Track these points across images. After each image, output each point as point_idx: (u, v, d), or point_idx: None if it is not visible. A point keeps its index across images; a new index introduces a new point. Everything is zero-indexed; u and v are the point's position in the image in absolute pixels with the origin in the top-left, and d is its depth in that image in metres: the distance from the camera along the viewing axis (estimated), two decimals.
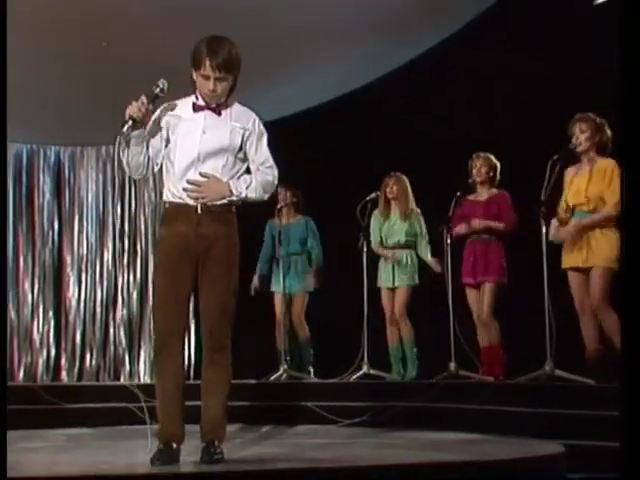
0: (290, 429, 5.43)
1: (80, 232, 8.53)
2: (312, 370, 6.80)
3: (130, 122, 3.34)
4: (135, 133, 3.40)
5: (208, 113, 3.51)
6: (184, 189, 3.44)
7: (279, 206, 6.86)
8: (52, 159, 8.60)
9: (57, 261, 8.49)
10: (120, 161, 3.50)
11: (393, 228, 6.62)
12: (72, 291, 8.46)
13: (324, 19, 6.21)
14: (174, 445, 3.39)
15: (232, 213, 3.54)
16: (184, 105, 3.55)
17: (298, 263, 7.01)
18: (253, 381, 6.47)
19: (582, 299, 5.27)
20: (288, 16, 6.11)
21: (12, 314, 8.33)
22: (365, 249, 6.60)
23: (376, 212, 6.70)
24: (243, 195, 3.49)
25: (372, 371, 6.37)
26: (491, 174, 6.14)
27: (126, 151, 3.44)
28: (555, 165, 5.40)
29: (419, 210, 6.64)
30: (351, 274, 6.64)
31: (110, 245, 8.51)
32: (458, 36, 6.80)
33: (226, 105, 3.53)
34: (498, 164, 6.16)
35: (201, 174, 3.43)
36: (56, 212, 8.56)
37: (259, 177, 3.55)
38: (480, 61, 6.65)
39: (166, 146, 3.53)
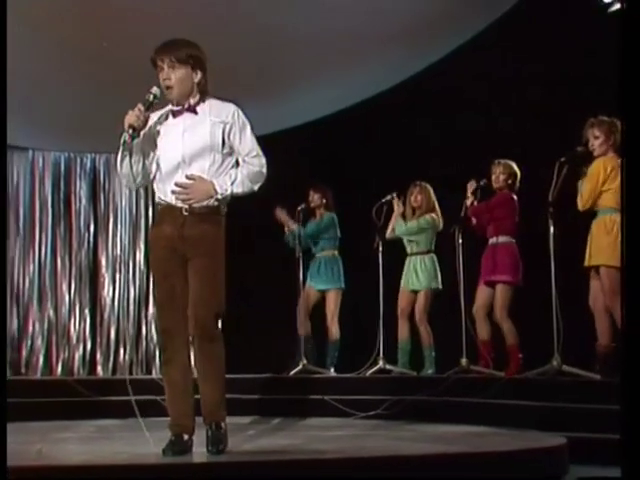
0: (308, 421, 5.45)
1: (114, 234, 8.63)
2: (333, 369, 6.76)
3: (130, 131, 3.33)
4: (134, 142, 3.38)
5: (187, 115, 3.45)
6: (172, 192, 3.39)
7: (312, 206, 6.93)
8: (88, 166, 8.70)
9: (93, 262, 8.60)
10: (120, 172, 3.49)
11: (415, 235, 6.58)
12: (107, 290, 8.56)
13: (345, 30, 6.21)
14: (185, 437, 3.38)
15: (219, 214, 3.46)
16: (166, 114, 3.50)
17: (328, 261, 6.97)
18: (273, 375, 6.50)
19: (595, 296, 5.23)
20: (312, 28, 6.13)
21: (50, 312, 8.47)
22: (381, 249, 6.58)
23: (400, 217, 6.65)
24: (228, 192, 3.40)
25: (388, 366, 6.37)
26: (509, 181, 6.00)
27: (126, 160, 3.42)
28: (562, 167, 5.37)
29: (441, 219, 6.58)
30: (368, 273, 6.63)
31: (142, 246, 8.56)
32: (467, 46, 6.77)
33: (202, 101, 3.46)
34: (518, 172, 6.02)
35: (187, 176, 3.37)
36: (92, 216, 8.66)
37: (244, 170, 3.45)
38: (488, 70, 6.62)
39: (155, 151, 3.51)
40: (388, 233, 6.64)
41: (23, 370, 8.30)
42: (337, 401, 5.73)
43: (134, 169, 3.45)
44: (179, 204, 3.39)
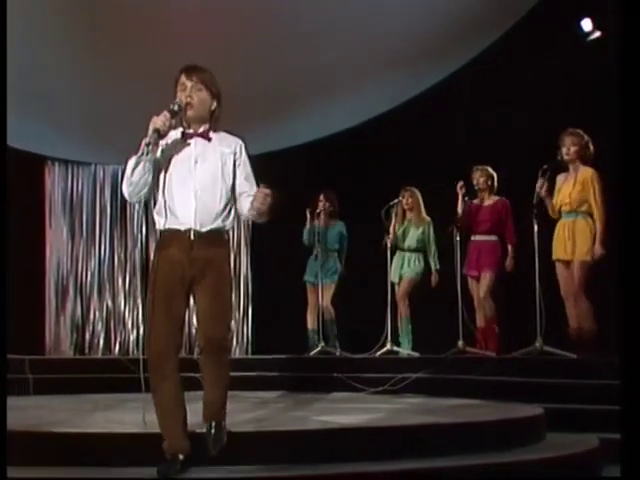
0: (324, 396, 5.40)
1: None
2: (338, 344, 6.73)
3: (155, 134, 2.95)
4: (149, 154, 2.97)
5: (198, 140, 3.08)
6: (253, 202, 3.01)
7: (318, 211, 6.89)
8: None
9: (144, 259, 8.54)
10: (130, 178, 3.00)
11: (406, 234, 6.57)
12: None
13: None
14: (181, 457, 2.94)
15: (224, 237, 3.11)
16: (175, 135, 3.10)
17: (330, 260, 6.94)
18: (295, 356, 6.48)
19: (567, 285, 5.20)
20: (332, 51, 6.08)
21: (109, 302, 8.52)
22: (389, 246, 6.54)
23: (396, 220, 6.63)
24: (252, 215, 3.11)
25: (395, 348, 6.31)
26: (489, 182, 6.08)
27: (140, 166, 2.97)
28: (545, 173, 5.36)
29: (430, 219, 6.55)
30: (377, 267, 6.59)
31: None
32: (464, 69, 6.73)
33: (213, 130, 3.12)
34: (494, 174, 6.11)
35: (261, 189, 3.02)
36: (143, 220, 8.66)
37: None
38: (483, 91, 6.55)
39: (158, 175, 3.05)
40: (391, 239, 6.55)
41: (87, 350, 8.40)
42: (350, 378, 5.69)
43: (144, 179, 3.01)
44: (185, 229, 2.99)
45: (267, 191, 3.00)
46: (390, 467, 3.09)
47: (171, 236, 3.03)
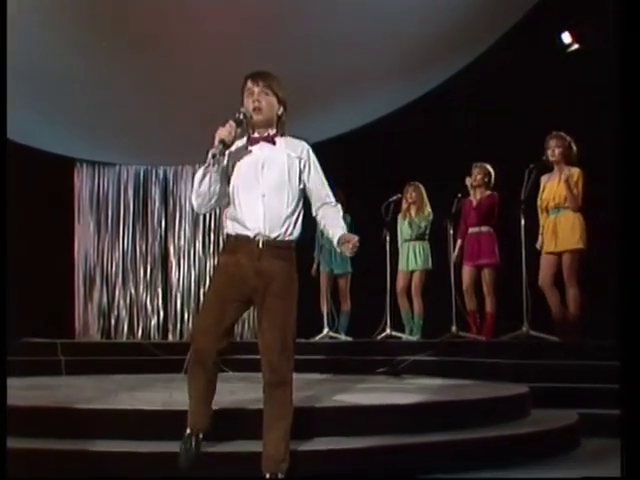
0: (328, 376, 5.41)
1: (180, 229, 8.65)
2: (344, 334, 6.75)
3: (221, 146, 2.71)
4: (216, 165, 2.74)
5: (264, 144, 2.84)
6: (350, 247, 2.75)
7: None
8: (161, 176, 8.72)
9: (164, 251, 8.65)
10: (198, 189, 2.77)
11: (411, 225, 6.54)
12: (174, 272, 8.61)
13: (367, 56, 6.13)
14: (200, 435, 2.82)
15: (291, 249, 2.82)
16: (241, 142, 2.87)
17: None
18: (303, 340, 6.50)
19: (545, 276, 5.21)
20: (336, 54, 6.02)
21: (132, 290, 8.55)
22: (388, 239, 6.56)
23: (400, 213, 6.64)
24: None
25: (394, 332, 6.34)
26: (486, 179, 6.03)
27: (207, 177, 2.74)
28: (532, 172, 5.36)
29: (430, 211, 6.52)
30: (377, 259, 6.61)
31: (201, 238, 8.61)
32: (460, 73, 6.72)
33: (279, 135, 2.86)
34: (492, 171, 6.04)
35: (346, 237, 2.77)
36: (163, 215, 8.71)
37: (339, 215, 2.92)
38: (480, 94, 6.55)
39: (228, 182, 2.83)
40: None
41: (113, 335, 8.45)
42: (353, 361, 5.70)
43: (212, 189, 2.76)
44: (256, 237, 2.75)
45: (356, 240, 2.75)
46: (389, 441, 3.13)
47: (239, 242, 2.78)
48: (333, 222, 2.88)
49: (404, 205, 6.57)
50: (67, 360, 5.80)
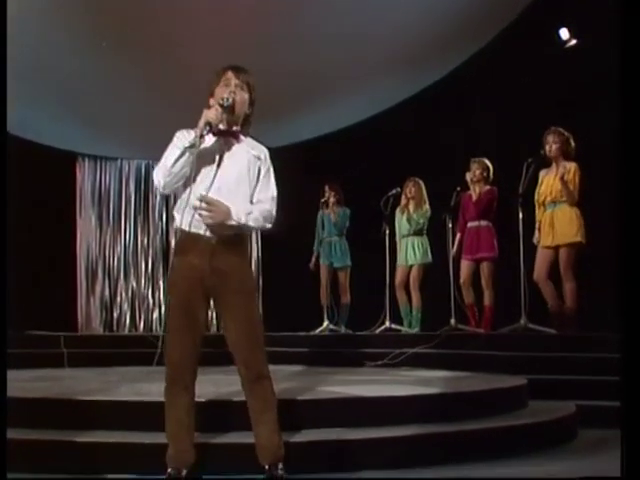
0: (327, 369, 5.42)
1: None
2: (344, 327, 6.75)
3: (207, 127, 2.63)
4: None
5: (228, 139, 2.74)
6: (194, 207, 2.61)
7: (323, 200, 6.90)
8: None
9: (165, 244, 8.66)
10: (170, 169, 2.60)
11: (409, 221, 6.53)
12: None
13: (366, 52, 6.14)
14: (184, 472, 2.66)
15: (245, 245, 2.77)
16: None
17: (340, 244, 6.92)
18: (303, 333, 6.52)
19: (540, 270, 5.21)
20: (335, 51, 6.02)
21: (134, 284, 8.59)
22: (387, 232, 6.55)
23: (398, 208, 6.63)
24: (243, 222, 2.65)
25: (392, 325, 6.34)
26: (484, 174, 6.01)
27: (183, 159, 2.60)
28: (530, 166, 5.36)
29: (428, 207, 6.50)
30: (376, 253, 6.60)
31: None
32: (460, 69, 6.70)
33: (244, 133, 2.79)
34: (491, 166, 6.02)
35: (201, 196, 2.61)
36: (164, 209, 8.73)
37: (261, 208, 2.72)
38: (477, 90, 6.54)
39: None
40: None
41: (115, 328, 8.47)
42: (353, 353, 5.70)
43: (184, 170, 2.62)
44: (207, 234, 2.63)
45: (207, 205, 2.60)
46: (388, 433, 3.14)
47: (191, 239, 2.65)
48: (249, 208, 2.73)
49: (403, 200, 6.57)
50: (70, 352, 5.82)
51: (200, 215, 2.61)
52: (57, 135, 7.71)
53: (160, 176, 2.65)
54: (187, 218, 2.64)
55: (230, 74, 2.77)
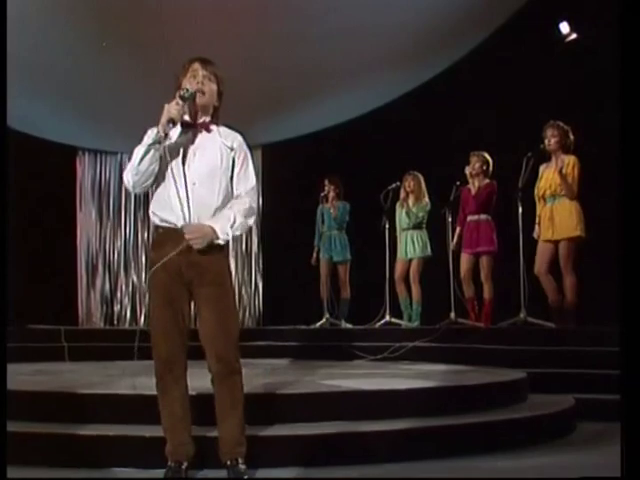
0: (328, 362, 5.42)
1: None
2: (344, 321, 6.74)
3: (171, 124, 2.58)
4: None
5: (198, 131, 2.68)
6: (189, 240, 2.57)
7: (323, 194, 6.90)
8: None
9: None
10: (137, 167, 2.58)
11: (408, 214, 6.51)
12: None
13: (364, 48, 6.10)
14: (184, 464, 2.65)
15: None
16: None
17: (340, 238, 6.90)
18: (303, 327, 6.52)
19: (541, 264, 5.21)
20: (333, 47, 6.00)
21: (134, 278, 8.55)
22: (387, 226, 6.54)
23: (398, 202, 6.63)
24: (230, 236, 2.63)
25: (393, 319, 6.35)
26: (484, 167, 5.99)
27: (149, 155, 2.56)
28: (529, 160, 5.35)
29: (428, 201, 6.48)
30: (376, 247, 6.59)
31: None
32: (460, 63, 6.68)
33: (214, 123, 2.73)
34: (490, 160, 6.00)
35: (184, 226, 2.58)
36: None
37: (240, 209, 2.66)
38: (476, 84, 6.52)
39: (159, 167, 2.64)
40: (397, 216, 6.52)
41: (115, 322, 8.47)
42: (353, 347, 5.68)
43: (151, 168, 2.59)
44: (183, 223, 2.60)
45: (190, 236, 2.56)
46: (388, 426, 3.14)
47: (166, 234, 2.62)
48: (225, 212, 2.66)
49: (402, 194, 6.55)
50: (70, 346, 5.83)
51: (194, 245, 2.56)
52: (57, 129, 7.71)
53: (129, 176, 2.63)
54: (163, 214, 2.62)
55: (197, 65, 2.73)
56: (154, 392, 2.85)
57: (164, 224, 2.64)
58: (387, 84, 6.90)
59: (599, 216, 5.05)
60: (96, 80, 6.48)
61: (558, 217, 5.14)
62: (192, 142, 2.66)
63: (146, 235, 8.62)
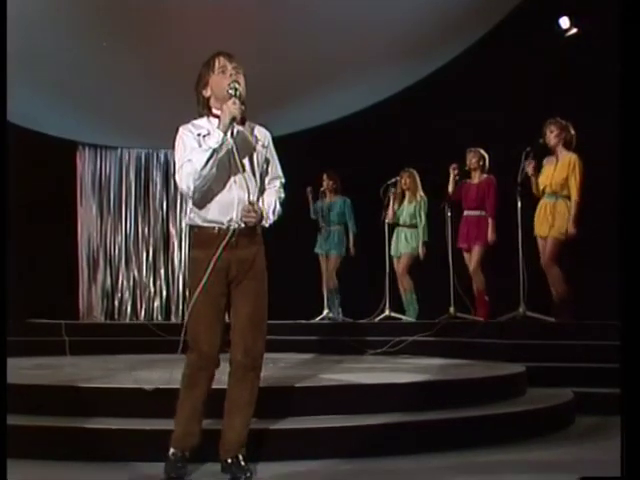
0: (329, 357, 5.40)
1: (181, 212, 8.53)
2: (340, 310, 6.73)
3: (234, 123, 2.57)
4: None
5: (235, 127, 2.62)
6: (244, 209, 2.60)
7: (322, 189, 6.88)
8: (162, 159, 8.65)
9: (165, 233, 8.61)
10: (202, 171, 2.54)
11: (403, 211, 6.52)
12: (176, 254, 8.59)
13: (363, 43, 6.08)
14: (187, 454, 2.65)
15: (260, 232, 2.73)
16: (210, 125, 2.65)
17: (336, 232, 6.90)
18: (303, 321, 6.52)
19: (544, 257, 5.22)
20: (332, 42, 5.98)
21: (135, 272, 8.53)
22: (386, 222, 6.52)
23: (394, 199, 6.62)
24: (271, 220, 2.71)
25: (392, 314, 6.34)
26: (481, 163, 6.00)
27: (213, 159, 2.55)
28: (528, 155, 5.35)
29: (424, 197, 6.47)
30: (376, 242, 6.59)
31: None
32: (459, 58, 6.66)
33: (246, 119, 2.68)
34: (486, 155, 6.01)
35: (250, 202, 2.61)
36: (164, 198, 8.68)
37: (277, 198, 2.76)
38: (475, 80, 6.49)
39: None
40: (389, 218, 6.50)
41: (116, 316, 8.47)
42: (353, 341, 5.67)
43: (212, 171, 2.57)
44: (232, 225, 2.61)
45: (250, 209, 2.60)
46: (387, 419, 3.14)
47: (212, 233, 2.61)
48: (266, 199, 2.75)
49: (397, 191, 6.55)
50: (71, 340, 5.83)
51: (247, 218, 2.61)
52: (57, 124, 7.69)
53: (190, 181, 2.57)
54: (209, 214, 2.61)
55: (223, 60, 2.69)
56: (155, 385, 2.89)
57: (210, 224, 2.62)
58: (387, 79, 6.86)
59: (600, 212, 5.04)
60: (97, 75, 6.46)
61: (552, 216, 5.14)
62: (232, 141, 2.61)
63: (146, 230, 8.62)
